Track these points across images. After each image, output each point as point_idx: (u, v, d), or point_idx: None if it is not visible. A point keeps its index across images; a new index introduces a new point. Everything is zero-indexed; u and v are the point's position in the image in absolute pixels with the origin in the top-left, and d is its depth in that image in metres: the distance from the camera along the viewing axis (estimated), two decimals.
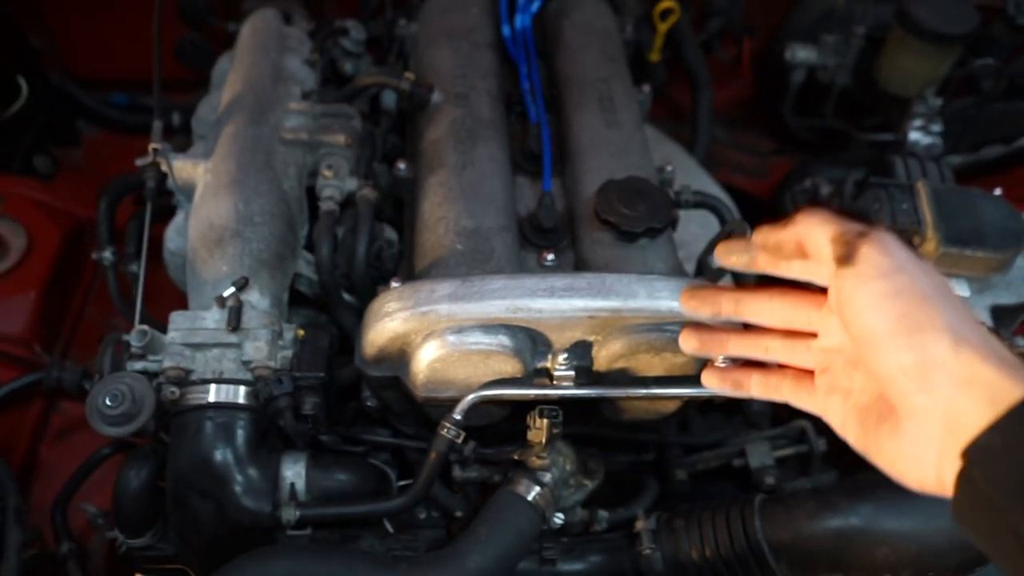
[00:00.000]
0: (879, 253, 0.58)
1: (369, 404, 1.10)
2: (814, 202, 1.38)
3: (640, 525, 1.07)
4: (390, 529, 1.10)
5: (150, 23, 1.66)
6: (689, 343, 0.76)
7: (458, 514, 1.11)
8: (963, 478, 0.52)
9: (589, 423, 1.12)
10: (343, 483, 1.04)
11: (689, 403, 1.12)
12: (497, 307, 0.97)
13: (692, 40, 1.65)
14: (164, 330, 1.02)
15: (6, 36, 1.48)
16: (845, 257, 0.60)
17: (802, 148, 1.83)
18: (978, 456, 0.51)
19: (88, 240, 1.48)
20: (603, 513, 1.13)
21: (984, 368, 0.53)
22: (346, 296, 1.18)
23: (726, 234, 1.14)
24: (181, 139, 1.73)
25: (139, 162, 1.19)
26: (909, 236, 1.15)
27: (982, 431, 0.51)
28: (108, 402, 0.95)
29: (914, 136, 1.49)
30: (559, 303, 0.97)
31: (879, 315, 0.57)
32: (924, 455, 0.55)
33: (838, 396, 0.65)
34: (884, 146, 1.60)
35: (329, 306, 1.16)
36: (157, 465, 1.02)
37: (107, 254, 1.29)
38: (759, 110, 1.89)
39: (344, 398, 1.13)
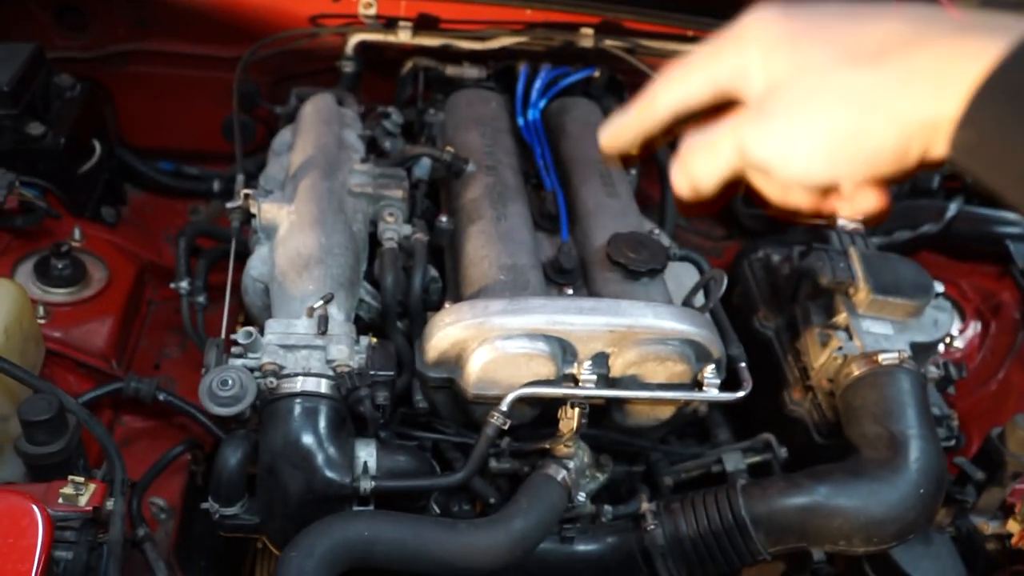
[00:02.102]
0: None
1: (421, 405, 1.32)
2: (768, 268, 1.70)
3: (644, 507, 1.30)
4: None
5: (200, 104, 1.95)
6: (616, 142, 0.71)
7: (492, 501, 1.32)
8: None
9: (599, 426, 1.37)
10: (404, 464, 1.24)
11: (677, 415, 1.38)
12: (538, 320, 1.23)
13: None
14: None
15: (90, 107, 1.71)
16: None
17: (747, 234, 2.18)
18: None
19: (148, 279, 1.69)
20: (608, 507, 1.36)
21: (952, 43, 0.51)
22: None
23: (707, 280, 1.43)
24: (219, 202, 1.98)
25: (229, 205, 1.43)
26: (846, 287, 1.47)
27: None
28: (220, 386, 1.16)
29: (841, 221, 1.84)
30: (587, 319, 1.24)
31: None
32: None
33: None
34: (817, 228, 1.95)
35: (385, 328, 1.39)
36: (250, 447, 1.21)
37: (184, 284, 1.50)
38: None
39: (395, 404, 1.35)
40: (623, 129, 0.69)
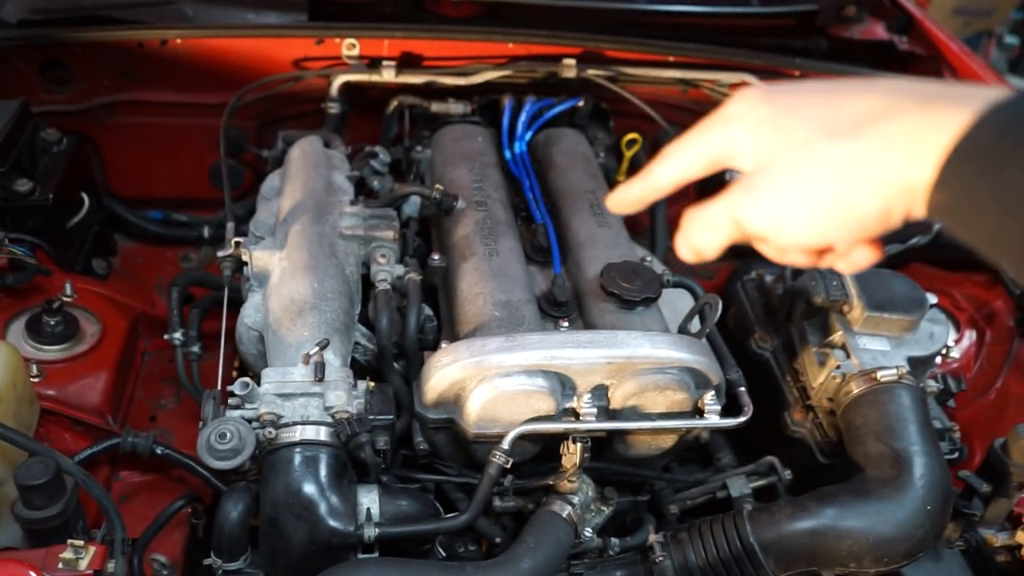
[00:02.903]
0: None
1: (421, 447, 1.31)
2: (761, 289, 1.71)
3: (652, 539, 1.29)
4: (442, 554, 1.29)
5: (186, 152, 1.95)
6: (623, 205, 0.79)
7: (498, 540, 1.31)
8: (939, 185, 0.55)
9: (602, 458, 1.36)
10: (407, 508, 1.23)
11: (679, 443, 1.37)
12: (536, 356, 1.23)
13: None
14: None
15: (77, 160, 1.71)
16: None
17: (738, 255, 2.18)
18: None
19: (141, 331, 1.68)
20: (615, 540, 1.34)
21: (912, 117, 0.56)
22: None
23: (701, 306, 1.42)
24: (209, 249, 1.98)
25: (220, 253, 1.42)
26: (840, 305, 1.47)
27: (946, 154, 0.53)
28: (218, 439, 1.15)
29: None
30: (584, 352, 1.24)
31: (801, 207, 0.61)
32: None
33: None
34: None
35: (382, 370, 1.38)
36: (251, 500, 1.20)
37: (177, 335, 1.49)
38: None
39: (396, 446, 1.34)
40: (627, 198, 0.78)
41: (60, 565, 1.03)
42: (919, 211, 0.58)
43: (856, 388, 1.36)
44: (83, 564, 1.04)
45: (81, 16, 1.81)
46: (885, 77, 0.64)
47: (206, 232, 1.97)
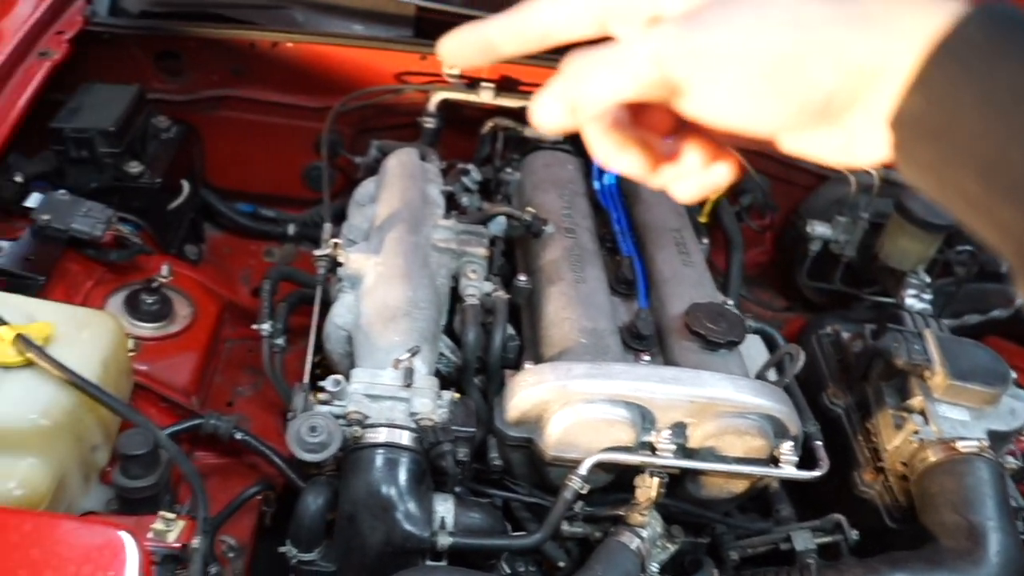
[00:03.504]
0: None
1: (496, 463, 1.33)
2: (837, 345, 1.71)
3: None
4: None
5: (282, 150, 2.01)
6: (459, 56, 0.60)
7: (561, 565, 1.31)
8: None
9: (671, 495, 1.36)
10: (479, 521, 1.25)
11: (749, 489, 1.37)
12: (621, 386, 1.25)
13: (729, 210, 2.02)
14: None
15: (183, 148, 1.78)
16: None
17: (809, 307, 2.18)
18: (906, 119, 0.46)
19: (226, 317, 1.73)
20: None
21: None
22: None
23: (782, 356, 1.43)
24: (292, 246, 2.03)
25: (317, 252, 1.47)
26: (921, 370, 1.47)
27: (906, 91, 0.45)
28: (309, 432, 1.18)
29: (910, 301, 1.84)
30: (669, 388, 1.25)
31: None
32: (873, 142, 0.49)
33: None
34: (883, 306, 1.95)
35: (462, 383, 1.41)
36: (331, 494, 1.22)
37: (266, 326, 1.53)
38: (775, 273, 2.26)
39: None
40: (474, 40, 0.58)
41: (150, 535, 1.06)
42: (876, 113, 0.47)
43: (934, 456, 1.35)
44: (171, 537, 1.07)
45: (198, 12, 1.88)
46: None
47: (291, 229, 2.02)
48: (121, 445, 1.11)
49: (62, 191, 1.48)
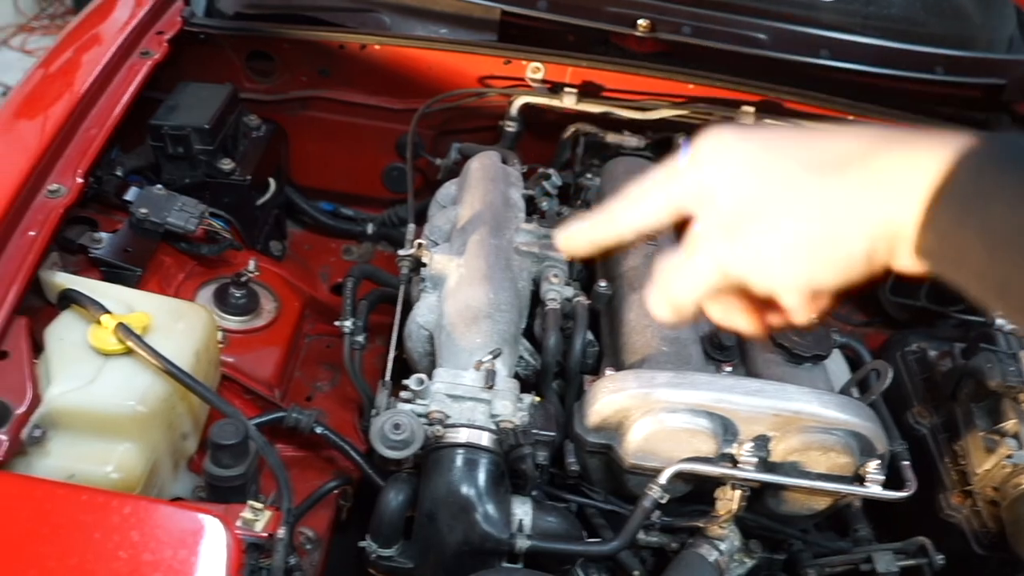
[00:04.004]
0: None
1: (573, 469, 1.33)
2: (923, 363, 1.66)
3: None
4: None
5: (362, 152, 2.04)
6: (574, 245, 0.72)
7: (635, 573, 1.30)
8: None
9: (749, 509, 1.34)
10: (556, 526, 1.25)
11: (831, 506, 1.34)
12: (704, 396, 1.23)
13: None
14: None
15: (271, 148, 1.83)
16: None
17: (889, 323, 2.12)
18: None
19: (307, 313, 1.77)
20: None
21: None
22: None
23: (868, 372, 1.40)
24: (371, 245, 2.06)
25: (401, 252, 1.49)
26: (1015, 392, 1.41)
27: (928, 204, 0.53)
28: (392, 429, 1.20)
29: (1000, 320, 1.78)
30: (753, 400, 1.24)
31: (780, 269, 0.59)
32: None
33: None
34: (971, 325, 1.88)
35: (540, 387, 1.41)
36: (411, 491, 1.24)
37: (348, 323, 1.56)
38: (855, 286, 2.21)
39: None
40: (581, 238, 0.71)
41: (239, 523, 1.09)
42: (903, 252, 0.55)
43: None
44: (259, 526, 1.09)
45: (290, 14, 1.92)
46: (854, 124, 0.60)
47: (370, 229, 2.06)
48: (213, 434, 1.14)
49: (158, 186, 1.53)
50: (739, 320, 0.69)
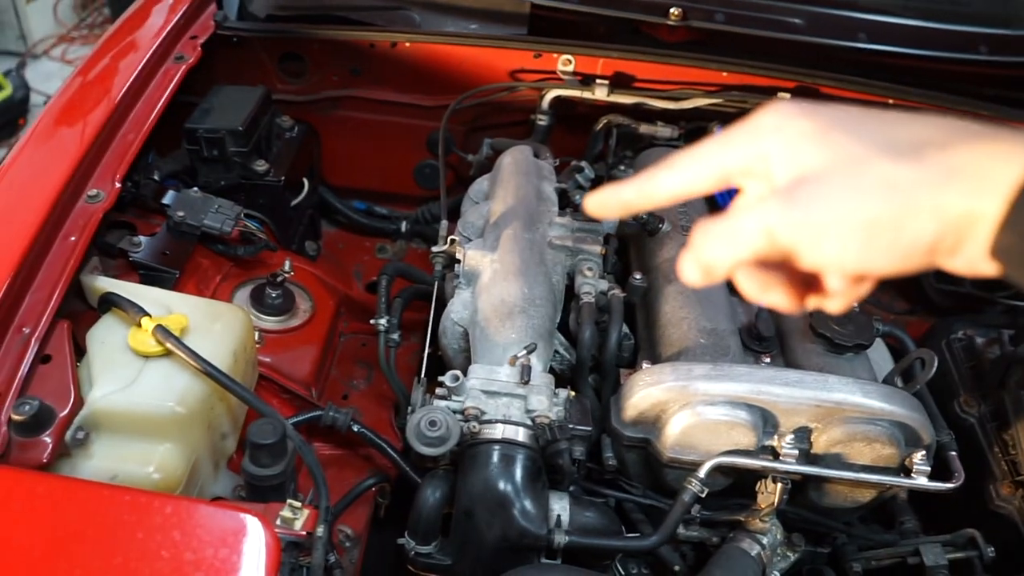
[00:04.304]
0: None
1: (610, 463, 1.32)
2: (970, 350, 1.61)
3: None
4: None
5: (394, 150, 2.04)
6: (603, 208, 0.69)
7: (676, 568, 1.29)
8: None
9: (792, 502, 1.32)
10: (594, 521, 1.24)
11: (875, 499, 1.31)
12: (742, 388, 1.21)
13: None
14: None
15: (304, 148, 1.84)
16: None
17: (932, 310, 2.07)
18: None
19: (342, 312, 1.78)
20: None
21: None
22: None
23: (913, 360, 1.36)
24: (404, 243, 2.07)
25: (435, 248, 1.49)
26: None
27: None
28: (428, 426, 1.20)
29: None
30: (793, 391, 1.21)
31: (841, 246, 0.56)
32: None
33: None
34: (1019, 312, 1.83)
35: (576, 382, 1.40)
36: (448, 489, 1.24)
37: (383, 321, 1.56)
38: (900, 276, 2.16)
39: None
40: (613, 200, 0.68)
41: (278, 522, 1.10)
42: (974, 251, 0.53)
43: None
44: (298, 524, 1.10)
45: (320, 15, 1.93)
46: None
47: (404, 227, 2.06)
48: (252, 434, 1.15)
49: (194, 189, 1.54)
50: (773, 295, 0.65)
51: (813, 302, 0.65)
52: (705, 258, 0.61)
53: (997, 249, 0.52)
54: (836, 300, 0.64)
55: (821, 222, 0.56)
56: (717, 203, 1.71)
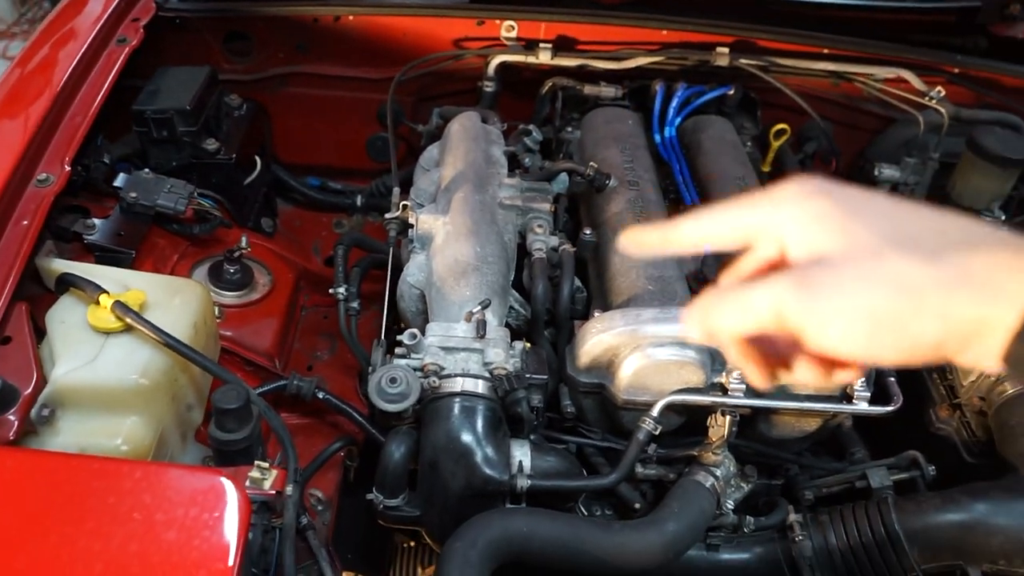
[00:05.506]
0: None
1: (568, 411, 1.37)
2: None
3: (791, 518, 1.31)
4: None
5: (344, 124, 2.06)
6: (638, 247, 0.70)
7: (637, 506, 1.34)
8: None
9: (742, 435, 1.38)
10: (555, 465, 1.29)
11: (822, 428, 1.38)
12: None
13: (792, 158, 2.00)
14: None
15: (254, 126, 1.85)
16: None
17: None
18: None
19: (301, 286, 1.80)
20: (750, 518, 1.37)
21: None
22: None
23: None
24: (360, 216, 2.09)
25: (388, 215, 1.52)
26: None
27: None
28: (389, 383, 1.23)
29: None
30: None
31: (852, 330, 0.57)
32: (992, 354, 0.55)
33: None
34: None
35: (532, 335, 1.44)
36: (412, 443, 1.27)
37: (341, 290, 1.59)
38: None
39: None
40: (642, 242, 0.70)
41: (248, 483, 1.13)
42: (988, 354, 0.54)
43: (1011, 387, 1.34)
44: (267, 484, 1.13)
45: None
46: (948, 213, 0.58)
47: (359, 201, 2.08)
48: (216, 400, 1.18)
49: (146, 170, 1.55)
50: (751, 371, 0.67)
51: (785, 377, 0.67)
52: (711, 322, 0.63)
53: (1009, 357, 0.53)
54: (823, 378, 0.66)
55: (829, 309, 0.57)
56: (663, 159, 1.76)
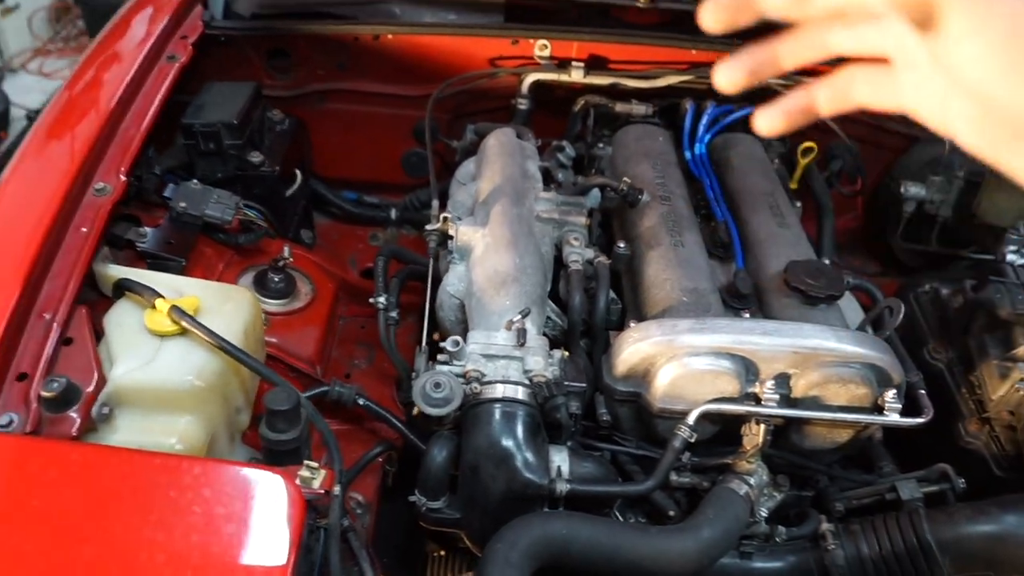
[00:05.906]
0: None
1: (604, 419, 1.40)
2: (936, 301, 1.71)
3: (824, 527, 1.33)
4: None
5: (381, 140, 2.12)
6: (733, 77, 0.64)
7: (671, 514, 1.37)
8: None
9: (775, 446, 1.41)
10: (593, 471, 1.32)
11: (853, 439, 1.41)
12: (725, 339, 1.30)
13: (819, 176, 2.04)
14: None
15: (295, 141, 1.91)
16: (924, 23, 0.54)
17: (903, 271, 2.18)
18: None
19: (340, 296, 1.85)
20: (782, 528, 1.39)
21: None
22: None
23: (882, 309, 1.45)
24: (395, 230, 2.14)
25: (428, 227, 1.56)
26: None
27: None
28: (433, 388, 1.27)
29: (1011, 257, 1.83)
30: (772, 340, 1.30)
31: (987, 67, 0.52)
32: None
33: (935, 97, 0.58)
34: (982, 265, 1.93)
35: (568, 345, 1.48)
36: (454, 447, 1.31)
37: (382, 299, 1.64)
38: (866, 238, 2.26)
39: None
40: (739, 67, 0.64)
41: (298, 481, 1.17)
42: None
43: None
44: (316, 483, 1.17)
45: (304, 11, 2.00)
46: None
47: (393, 214, 2.14)
48: (268, 401, 1.22)
49: (194, 181, 1.61)
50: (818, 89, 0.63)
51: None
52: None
53: None
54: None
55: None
56: (694, 175, 1.81)
